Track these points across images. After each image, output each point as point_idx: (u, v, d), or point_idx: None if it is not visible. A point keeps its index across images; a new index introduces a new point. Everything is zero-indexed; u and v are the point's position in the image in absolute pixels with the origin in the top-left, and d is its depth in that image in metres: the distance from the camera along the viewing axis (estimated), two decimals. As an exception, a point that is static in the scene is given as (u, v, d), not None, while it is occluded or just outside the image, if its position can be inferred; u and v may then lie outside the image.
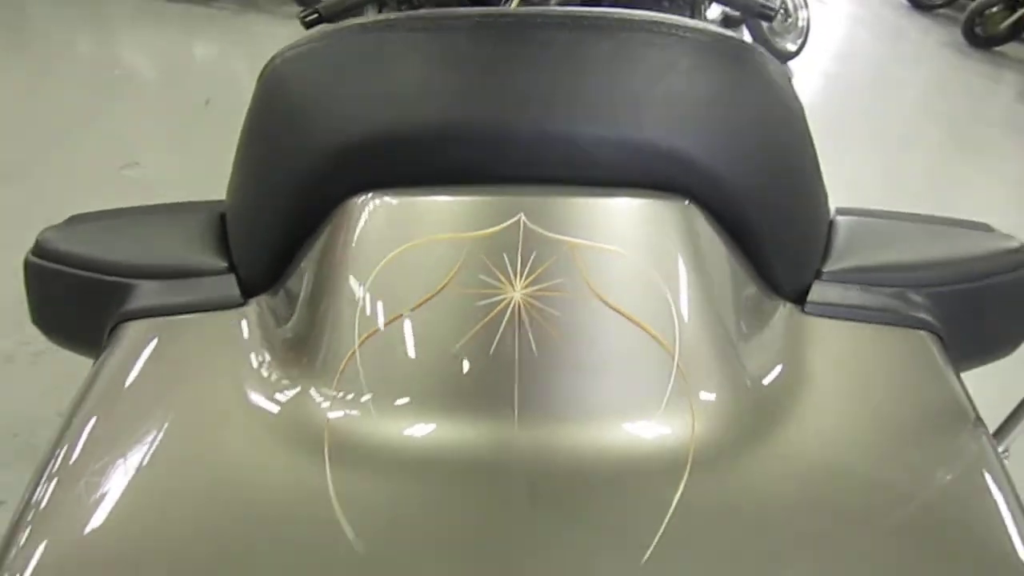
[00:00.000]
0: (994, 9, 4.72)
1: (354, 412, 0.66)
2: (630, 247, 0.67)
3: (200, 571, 0.60)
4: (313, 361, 0.69)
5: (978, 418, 0.74)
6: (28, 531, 0.63)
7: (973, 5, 4.82)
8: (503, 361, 0.64)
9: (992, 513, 0.66)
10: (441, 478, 0.63)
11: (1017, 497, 0.67)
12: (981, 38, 4.81)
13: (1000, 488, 0.68)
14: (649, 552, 0.59)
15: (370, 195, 0.70)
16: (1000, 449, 0.85)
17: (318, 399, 0.67)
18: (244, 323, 0.78)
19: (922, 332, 0.80)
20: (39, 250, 0.86)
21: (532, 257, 0.65)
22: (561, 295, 0.65)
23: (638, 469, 0.63)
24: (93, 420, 0.71)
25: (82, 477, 0.66)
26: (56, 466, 0.68)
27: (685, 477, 0.62)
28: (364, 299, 0.67)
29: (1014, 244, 0.88)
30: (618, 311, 0.66)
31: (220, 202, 0.91)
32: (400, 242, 0.67)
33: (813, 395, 0.72)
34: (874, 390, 0.75)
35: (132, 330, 0.78)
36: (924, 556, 0.62)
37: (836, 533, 0.62)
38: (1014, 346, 0.93)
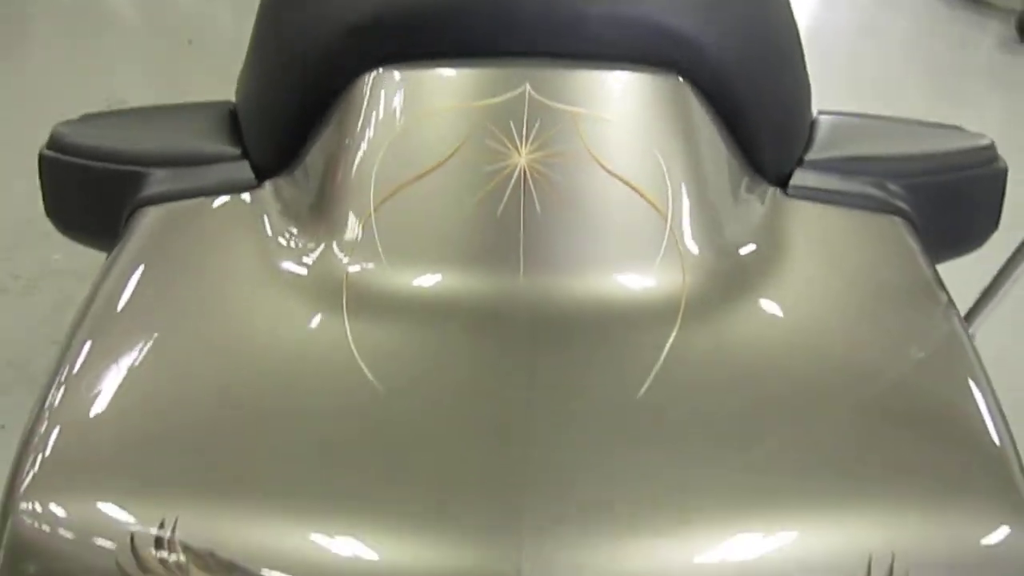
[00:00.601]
0: (979, -44, 4.71)
1: (370, 266, 0.70)
2: (628, 118, 0.71)
3: (230, 420, 0.64)
4: (330, 227, 0.73)
5: (950, 300, 0.78)
6: (54, 409, 0.66)
7: (959, -48, 4.80)
8: (509, 220, 0.68)
9: (961, 386, 0.70)
10: (451, 323, 0.68)
11: (986, 373, 0.71)
12: (965, -14, 4.80)
13: (969, 364, 0.72)
14: (644, 389, 0.64)
15: (381, 70, 0.73)
16: (969, 331, 0.90)
17: (336, 257, 0.71)
18: (259, 202, 0.81)
19: (897, 218, 0.85)
20: (53, 144, 0.88)
21: (537, 125, 0.68)
22: (564, 161, 0.69)
23: (634, 316, 0.69)
24: (115, 297, 0.74)
25: (108, 352, 0.69)
26: (80, 344, 0.70)
27: (677, 324, 0.68)
28: (378, 167, 0.71)
29: (985, 141, 0.94)
30: (616, 176, 0.70)
31: (229, 101, 0.94)
32: (411, 113, 0.71)
33: (793, 266, 0.78)
34: (850, 267, 0.80)
35: (149, 215, 0.82)
36: (895, 424, 0.66)
37: (811, 391, 0.67)
38: (983, 239, 0.99)
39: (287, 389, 0.65)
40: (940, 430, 0.67)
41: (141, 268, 0.76)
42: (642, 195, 0.71)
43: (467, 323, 0.68)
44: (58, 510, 0.59)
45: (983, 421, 0.67)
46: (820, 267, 0.79)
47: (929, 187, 0.89)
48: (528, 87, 0.69)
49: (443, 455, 0.61)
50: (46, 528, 0.58)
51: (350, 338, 0.67)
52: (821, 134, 0.92)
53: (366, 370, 0.65)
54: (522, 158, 0.68)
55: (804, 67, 0.90)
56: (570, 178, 0.69)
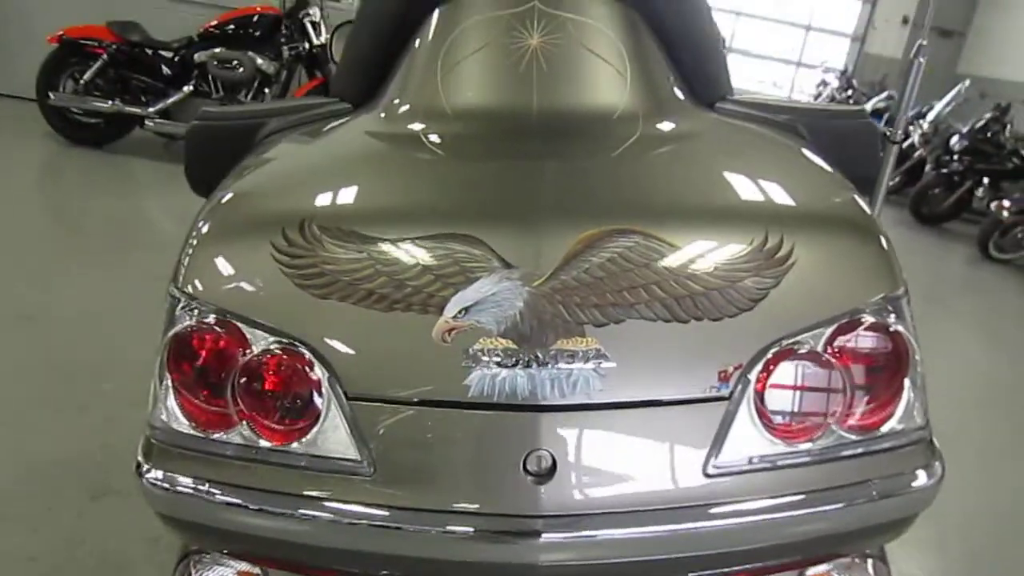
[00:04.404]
0: (935, 191, 5.30)
1: (438, 105, 1.13)
2: (600, 20, 1.17)
3: (343, 178, 1.02)
4: (410, 96, 1.17)
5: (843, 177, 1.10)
6: (228, 186, 1.02)
7: (916, 187, 5.41)
8: (527, 73, 1.12)
9: (849, 199, 1.00)
10: (490, 128, 1.12)
11: (876, 219, 1.00)
12: (927, 216, 5.33)
13: (853, 194, 1.02)
14: (616, 154, 1.07)
15: (438, 11, 1.19)
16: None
17: (415, 107, 1.16)
18: (357, 114, 1.22)
19: (797, 136, 1.24)
20: (201, 116, 1.27)
21: (543, 23, 1.13)
22: (561, 42, 1.14)
23: (609, 126, 1.11)
24: (255, 159, 1.11)
25: (252, 172, 1.06)
26: (230, 177, 1.05)
27: (638, 131, 1.11)
28: (442, 55, 1.16)
29: (859, 108, 1.42)
30: (594, 53, 1.15)
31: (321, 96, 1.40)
32: (461, 22, 1.16)
33: (720, 130, 1.20)
34: (764, 141, 1.19)
35: (274, 136, 1.19)
36: (795, 189, 1.01)
37: (731, 181, 1.01)
38: (868, 184, 1.40)
39: (380, 158, 1.08)
40: (826, 204, 1.01)
41: (271, 149, 1.13)
42: (611, 65, 1.15)
43: (500, 130, 1.11)
44: (233, 239, 0.92)
45: (866, 217, 0.97)
46: (743, 136, 1.19)
47: (818, 129, 1.27)
48: (536, 2, 1.15)
49: (489, 191, 0.97)
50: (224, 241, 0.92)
51: (424, 138, 1.09)
52: (739, 96, 1.35)
53: (435, 148, 1.08)
54: (534, 40, 1.12)
55: (722, 57, 1.37)
56: (565, 52, 1.13)
